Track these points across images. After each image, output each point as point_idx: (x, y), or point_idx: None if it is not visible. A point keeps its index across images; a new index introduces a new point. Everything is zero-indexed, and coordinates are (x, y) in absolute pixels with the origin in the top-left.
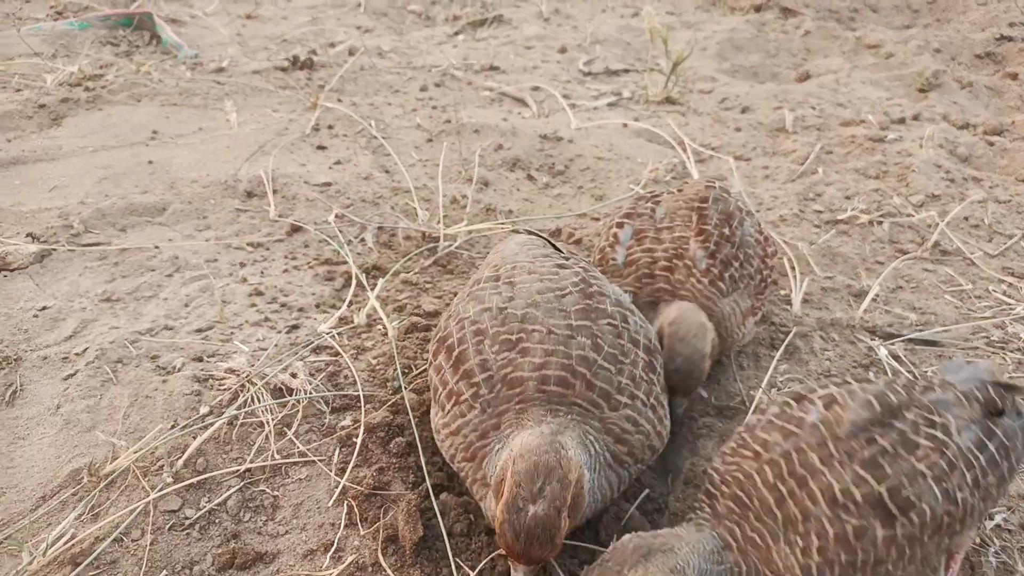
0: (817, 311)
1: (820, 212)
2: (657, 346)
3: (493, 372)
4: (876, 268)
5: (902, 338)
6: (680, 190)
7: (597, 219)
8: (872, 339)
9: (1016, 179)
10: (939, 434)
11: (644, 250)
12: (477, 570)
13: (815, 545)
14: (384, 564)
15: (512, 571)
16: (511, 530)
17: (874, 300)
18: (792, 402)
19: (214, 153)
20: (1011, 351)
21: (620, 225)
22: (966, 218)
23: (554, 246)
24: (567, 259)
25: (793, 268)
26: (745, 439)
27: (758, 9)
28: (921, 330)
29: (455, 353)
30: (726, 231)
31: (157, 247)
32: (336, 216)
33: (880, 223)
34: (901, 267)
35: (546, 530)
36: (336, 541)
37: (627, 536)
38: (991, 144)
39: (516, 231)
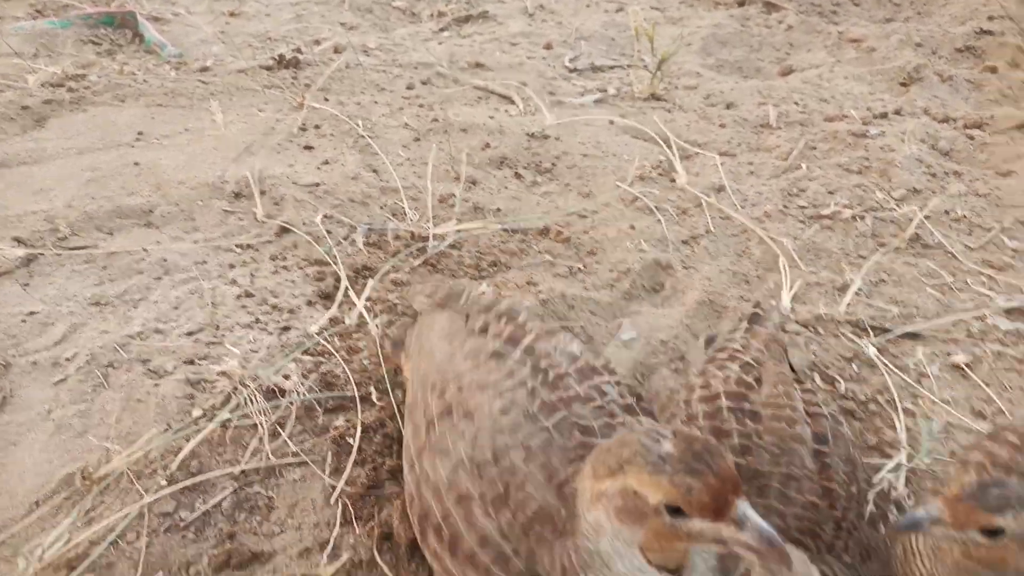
0: (802, 305)
1: (804, 207)
2: (632, 394)
3: (499, 540)
4: (859, 263)
5: (891, 333)
6: (767, 390)
7: (584, 216)
8: (859, 335)
9: (995, 172)
10: None
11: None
12: None
13: None
14: (380, 561)
15: None
16: None
17: (857, 294)
18: None
19: (201, 154)
20: (990, 342)
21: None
22: (947, 212)
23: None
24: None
25: (784, 266)
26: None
27: (741, 3)
28: (903, 323)
29: (447, 537)
30: (853, 489)
31: (145, 250)
32: (325, 216)
33: (863, 218)
34: (883, 261)
35: None
36: (332, 540)
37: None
38: (971, 138)
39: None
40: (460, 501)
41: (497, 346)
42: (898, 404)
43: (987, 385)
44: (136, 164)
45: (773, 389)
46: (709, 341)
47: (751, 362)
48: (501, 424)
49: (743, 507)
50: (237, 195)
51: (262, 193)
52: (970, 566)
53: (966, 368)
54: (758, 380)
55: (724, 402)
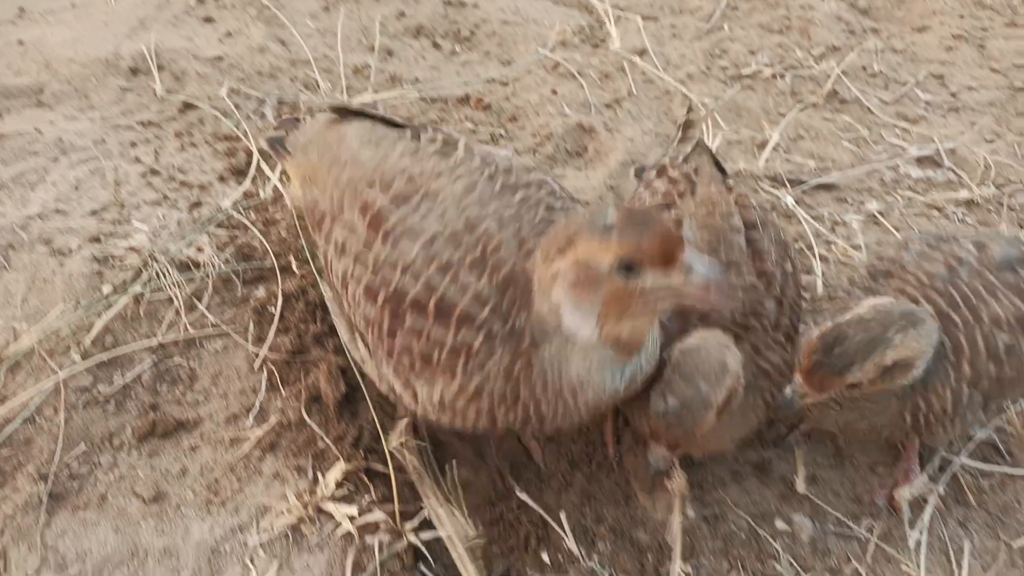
0: (723, 162)
1: (726, 68)
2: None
3: (491, 296)
4: (779, 120)
5: (806, 184)
6: (702, 190)
7: (505, 84)
8: (777, 188)
9: (912, 28)
10: None
11: None
12: (398, 427)
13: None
14: (309, 421)
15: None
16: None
17: (775, 150)
18: (942, 238)
19: (90, 30)
20: (902, 190)
21: None
22: (864, 68)
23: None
24: (427, 131)
25: (707, 124)
26: (904, 268)
27: None
28: (819, 175)
29: (433, 306)
30: (787, 267)
31: (38, 130)
32: (231, 91)
33: (783, 76)
34: (802, 118)
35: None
36: (258, 404)
37: (885, 299)
38: None
39: (338, 111)
40: (443, 269)
41: (437, 147)
42: (815, 250)
43: (897, 230)
44: (20, 42)
45: (707, 189)
46: (639, 172)
47: (679, 177)
48: (468, 200)
49: (688, 255)
50: (134, 71)
51: (160, 68)
52: (854, 403)
53: (878, 215)
54: (692, 188)
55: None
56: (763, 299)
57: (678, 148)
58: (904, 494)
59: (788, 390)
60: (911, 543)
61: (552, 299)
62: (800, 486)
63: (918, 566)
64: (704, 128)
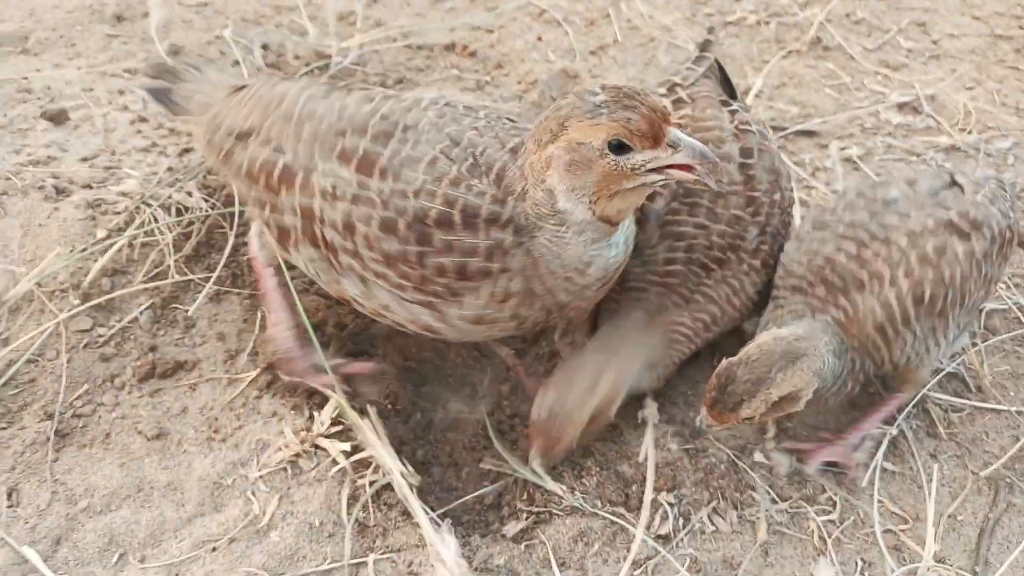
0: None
1: (711, 15)
2: None
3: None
4: (762, 67)
5: (788, 130)
6: (695, 113)
7: (491, 31)
8: None
9: None
10: (994, 184)
11: (698, 225)
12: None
13: (901, 275)
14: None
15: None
16: None
17: (758, 96)
18: (869, 186)
19: None
20: (883, 135)
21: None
22: (847, 15)
23: None
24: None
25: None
26: (826, 222)
27: None
28: (801, 122)
29: (457, 215)
30: (776, 196)
31: (26, 78)
32: (216, 37)
33: (767, 23)
34: (785, 64)
35: None
36: (252, 345)
37: (769, 336)
38: None
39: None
40: (454, 182)
41: (383, 92)
42: (795, 195)
43: (877, 175)
44: None
45: (700, 112)
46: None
47: (685, 98)
48: (443, 122)
49: (674, 132)
50: (119, 17)
51: (145, 15)
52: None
53: (858, 160)
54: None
55: None
56: (747, 227)
57: (691, 67)
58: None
59: (697, 420)
60: (876, 473)
61: (546, 183)
62: (770, 433)
63: (886, 492)
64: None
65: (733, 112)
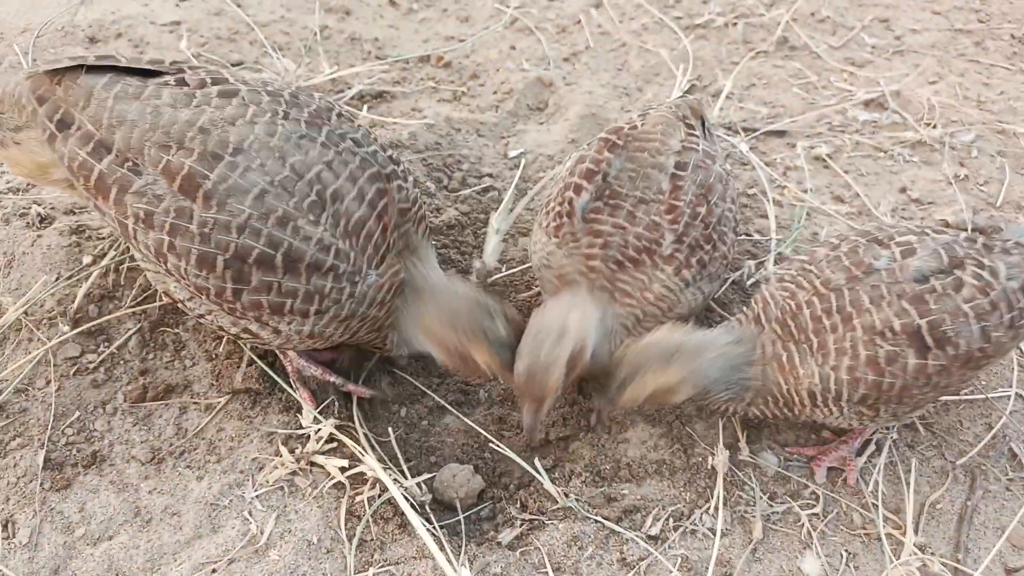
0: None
1: (680, 18)
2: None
3: (335, 240)
4: (732, 68)
5: (758, 132)
6: (641, 127)
7: (464, 40)
8: (731, 135)
9: None
10: (986, 275)
11: (616, 226)
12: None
13: (845, 365)
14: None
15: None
16: None
17: (729, 98)
18: (866, 244)
19: None
20: (850, 132)
21: (577, 189)
22: (812, 14)
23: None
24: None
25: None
26: (808, 270)
27: None
28: (771, 122)
29: (279, 260)
30: (701, 209)
31: None
32: (192, 57)
33: (735, 24)
34: (753, 65)
35: None
36: (244, 366)
37: (659, 334)
38: None
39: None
40: (282, 221)
41: (216, 91)
42: (769, 195)
43: (846, 172)
44: None
45: (650, 127)
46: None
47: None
48: (279, 143)
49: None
50: (92, 39)
51: (119, 36)
52: None
53: (827, 159)
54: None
55: (600, 139)
56: (664, 233)
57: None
58: (821, 474)
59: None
60: (859, 466)
61: (421, 343)
62: (743, 449)
63: (867, 485)
64: (676, 79)
65: (690, 133)
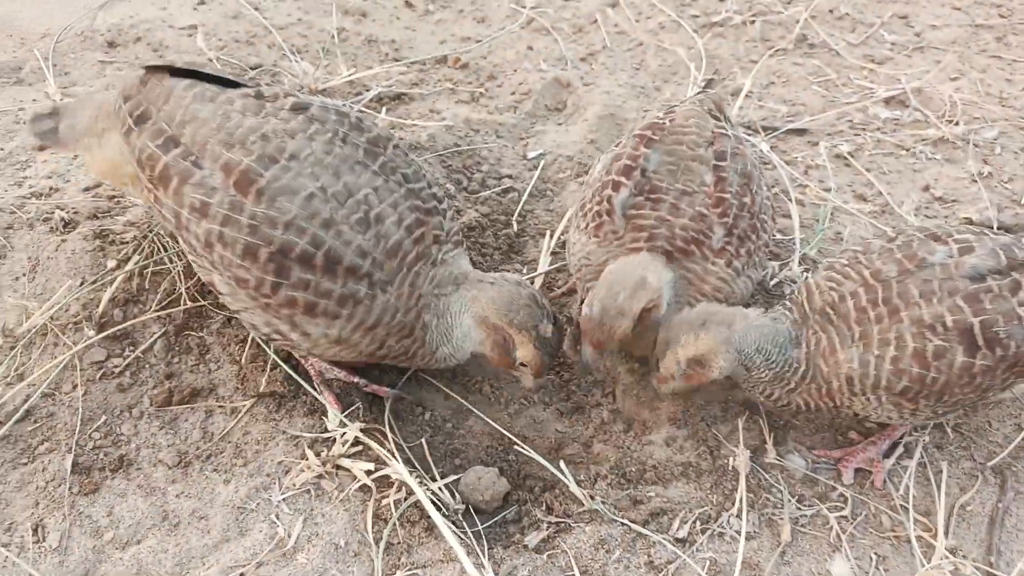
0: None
1: (696, 17)
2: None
3: (372, 251)
4: (750, 67)
5: (778, 131)
6: (674, 121)
7: (481, 41)
8: (752, 135)
9: None
10: None
11: (660, 219)
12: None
13: (889, 355)
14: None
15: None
16: None
17: (748, 96)
18: (922, 238)
19: (61, 4)
20: (872, 131)
21: (616, 186)
22: (831, 11)
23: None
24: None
25: (693, 70)
26: (859, 261)
27: None
28: (792, 121)
29: (319, 259)
30: (746, 200)
31: (22, 109)
32: (209, 60)
33: (752, 22)
34: (772, 63)
35: None
36: (268, 369)
37: (701, 305)
38: None
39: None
40: (326, 224)
41: (288, 104)
42: (791, 194)
43: (868, 171)
44: None
45: (682, 120)
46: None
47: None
48: (334, 161)
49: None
50: (111, 44)
51: (138, 40)
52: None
53: (849, 157)
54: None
55: (635, 135)
56: (712, 225)
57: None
58: (848, 475)
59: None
60: (887, 468)
61: (463, 328)
62: (770, 453)
63: (896, 487)
64: (691, 78)
65: (719, 124)
